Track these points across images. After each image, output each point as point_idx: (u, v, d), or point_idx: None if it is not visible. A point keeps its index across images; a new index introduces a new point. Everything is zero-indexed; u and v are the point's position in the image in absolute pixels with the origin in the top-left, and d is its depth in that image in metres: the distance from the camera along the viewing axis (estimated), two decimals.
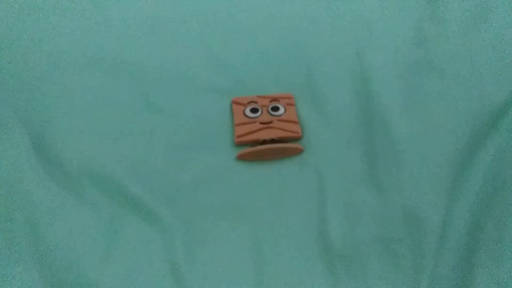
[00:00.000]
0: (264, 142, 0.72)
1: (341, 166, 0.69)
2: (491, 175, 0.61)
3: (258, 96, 0.77)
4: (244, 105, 0.76)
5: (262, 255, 0.62)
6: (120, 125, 0.71)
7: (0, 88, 0.72)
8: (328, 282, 0.60)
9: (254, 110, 0.75)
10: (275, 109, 0.76)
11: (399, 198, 0.63)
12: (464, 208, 0.61)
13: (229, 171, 0.69)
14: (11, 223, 0.60)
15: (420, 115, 0.67)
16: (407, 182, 0.63)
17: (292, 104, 0.76)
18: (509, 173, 0.61)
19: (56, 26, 0.81)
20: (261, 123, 0.74)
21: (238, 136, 0.73)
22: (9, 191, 0.61)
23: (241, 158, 0.72)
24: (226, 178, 0.68)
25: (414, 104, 0.68)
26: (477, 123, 0.64)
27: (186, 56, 0.79)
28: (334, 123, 0.72)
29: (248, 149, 0.71)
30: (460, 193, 0.62)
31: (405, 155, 0.65)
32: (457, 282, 0.57)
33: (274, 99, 0.77)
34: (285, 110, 0.76)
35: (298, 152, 0.72)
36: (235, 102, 0.76)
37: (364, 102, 0.72)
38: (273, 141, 0.72)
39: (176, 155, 0.69)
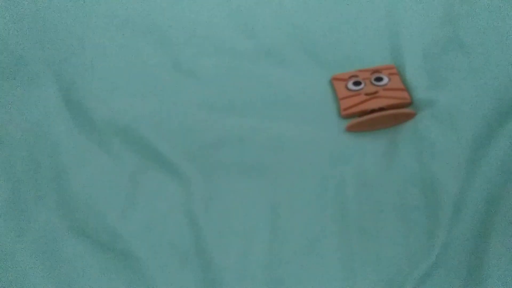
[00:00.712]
0: (372, 111, 0.69)
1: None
2: None
3: (358, 70, 0.75)
4: (345, 80, 0.74)
5: (277, 213, 0.62)
6: (148, 84, 0.73)
7: (34, 44, 0.74)
8: (340, 242, 0.60)
9: (356, 83, 0.73)
10: (379, 79, 0.73)
11: (417, 168, 0.63)
12: (483, 182, 0.59)
13: (253, 131, 0.69)
14: (38, 168, 0.64)
15: (445, 90, 0.67)
16: (427, 153, 0.63)
17: (395, 74, 0.73)
18: None
19: None
20: (366, 94, 0.72)
21: (345, 109, 0.71)
22: (38, 138, 0.65)
23: (351, 129, 0.69)
24: (249, 139, 0.68)
25: (440, 79, 0.69)
26: (502, 101, 0.63)
27: (214, 20, 0.80)
28: None
29: (357, 120, 0.69)
30: (480, 167, 0.60)
31: (426, 127, 0.65)
32: (470, 251, 0.56)
33: (376, 71, 0.74)
34: (389, 80, 0.73)
35: (411, 117, 0.68)
36: (335, 79, 0.75)
37: None
38: (381, 110, 0.69)
39: (201, 115, 0.70)
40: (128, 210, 0.62)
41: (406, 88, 0.71)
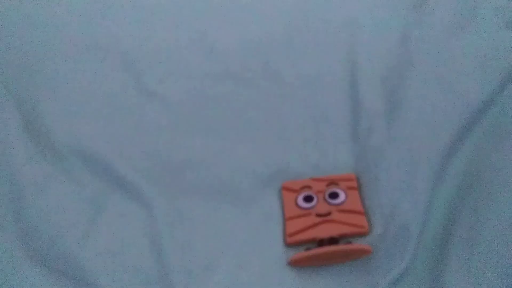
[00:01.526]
0: (321, 241, 0.59)
1: None
2: (468, 171, 0.61)
3: (313, 179, 0.64)
4: (296, 191, 0.63)
5: (242, 238, 0.61)
6: (110, 107, 0.72)
7: None
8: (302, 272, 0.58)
9: (308, 199, 0.62)
10: (334, 196, 0.62)
11: (376, 199, 0.61)
12: (441, 203, 0.60)
13: (217, 154, 0.68)
14: None
15: (401, 117, 0.67)
16: (385, 183, 0.62)
17: (354, 188, 0.62)
18: (484, 169, 0.60)
19: (53, 11, 0.83)
20: (317, 215, 0.61)
21: (290, 235, 0.60)
22: None
23: (295, 264, 0.58)
24: (213, 161, 0.67)
25: (396, 105, 0.69)
26: (456, 124, 0.64)
27: (178, 43, 0.80)
28: None
29: (302, 254, 0.58)
30: (439, 190, 0.61)
31: (384, 157, 0.64)
32: (430, 268, 0.56)
33: (332, 182, 0.63)
34: (346, 197, 0.61)
35: (366, 254, 0.57)
36: (285, 188, 0.64)
37: (350, 106, 0.72)
38: (332, 239, 0.58)
39: (164, 138, 0.69)
40: (89, 236, 0.60)
41: (364, 208, 0.60)
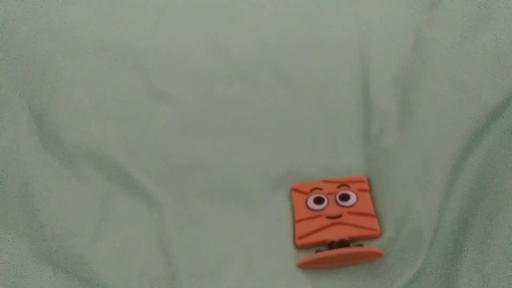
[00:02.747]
0: (332, 244, 0.58)
1: None
2: (482, 174, 0.60)
3: (323, 181, 0.63)
4: (306, 193, 0.63)
5: (251, 240, 0.60)
6: (121, 108, 0.72)
7: (6, 67, 0.74)
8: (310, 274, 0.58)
9: (318, 200, 0.61)
10: (345, 198, 0.61)
11: (388, 201, 0.60)
12: (454, 206, 0.59)
13: (227, 155, 0.68)
14: (6, 194, 0.62)
15: (414, 119, 0.66)
16: (397, 186, 0.61)
17: (365, 190, 0.61)
18: (499, 172, 0.60)
19: (66, 12, 0.82)
20: (328, 217, 0.60)
21: (300, 237, 0.59)
22: (6, 163, 0.64)
23: (305, 267, 0.58)
24: (222, 163, 0.67)
25: (408, 107, 0.68)
26: (470, 126, 0.63)
27: (189, 44, 0.79)
28: None
29: (312, 256, 0.57)
30: (452, 193, 0.60)
31: (396, 159, 0.63)
32: (442, 271, 0.55)
33: (343, 184, 0.62)
34: (357, 199, 0.61)
35: (377, 257, 0.56)
36: (295, 190, 0.63)
37: (361, 107, 0.71)
38: (343, 242, 0.58)
39: (174, 139, 0.69)
40: (98, 237, 0.60)
41: (376, 210, 0.60)
